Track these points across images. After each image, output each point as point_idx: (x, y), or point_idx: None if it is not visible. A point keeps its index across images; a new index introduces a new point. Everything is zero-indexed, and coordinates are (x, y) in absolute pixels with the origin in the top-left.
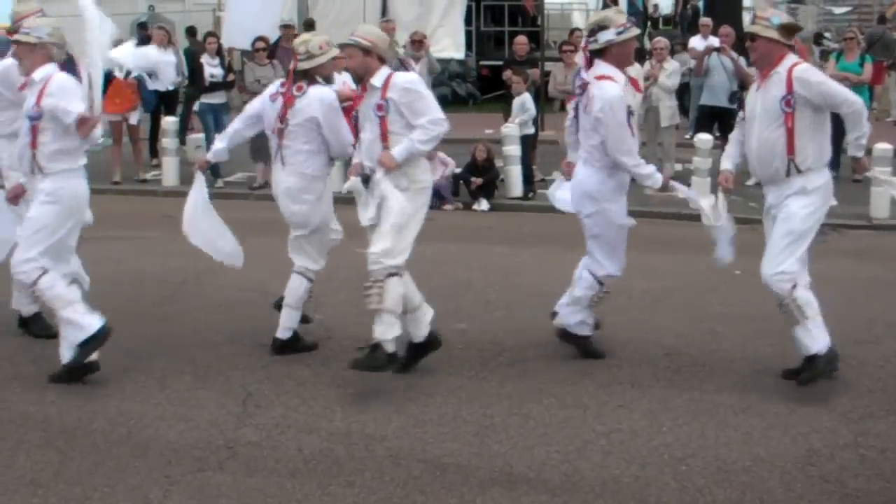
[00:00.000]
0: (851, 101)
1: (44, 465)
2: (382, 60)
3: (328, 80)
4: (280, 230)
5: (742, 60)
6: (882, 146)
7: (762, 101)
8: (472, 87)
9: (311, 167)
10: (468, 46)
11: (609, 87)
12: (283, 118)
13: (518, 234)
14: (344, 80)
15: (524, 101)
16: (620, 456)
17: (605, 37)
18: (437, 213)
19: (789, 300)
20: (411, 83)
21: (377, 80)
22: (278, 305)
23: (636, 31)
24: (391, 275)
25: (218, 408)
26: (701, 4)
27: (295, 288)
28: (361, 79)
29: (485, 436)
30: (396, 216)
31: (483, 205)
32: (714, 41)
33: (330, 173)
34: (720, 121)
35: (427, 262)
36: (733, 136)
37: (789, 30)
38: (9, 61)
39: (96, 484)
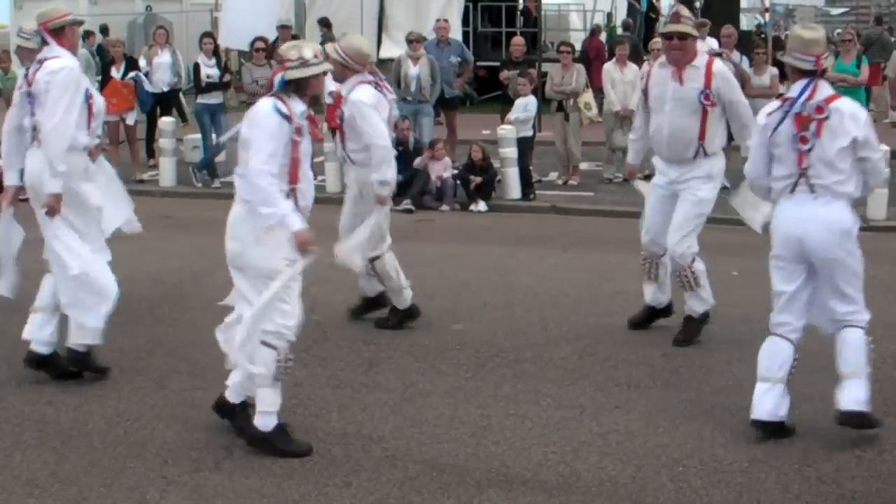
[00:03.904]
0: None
1: (40, 465)
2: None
3: (316, 101)
4: None
5: (745, 61)
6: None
7: (675, 91)
8: (469, 88)
9: None
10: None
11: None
12: None
13: (515, 235)
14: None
15: (527, 104)
16: (617, 457)
17: None
18: (436, 214)
19: (689, 271)
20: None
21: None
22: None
23: None
24: None
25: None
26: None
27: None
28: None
29: (481, 436)
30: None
31: (481, 206)
32: (712, 42)
33: None
34: None
35: (425, 262)
36: (637, 127)
37: (699, 25)
38: None
39: (93, 484)
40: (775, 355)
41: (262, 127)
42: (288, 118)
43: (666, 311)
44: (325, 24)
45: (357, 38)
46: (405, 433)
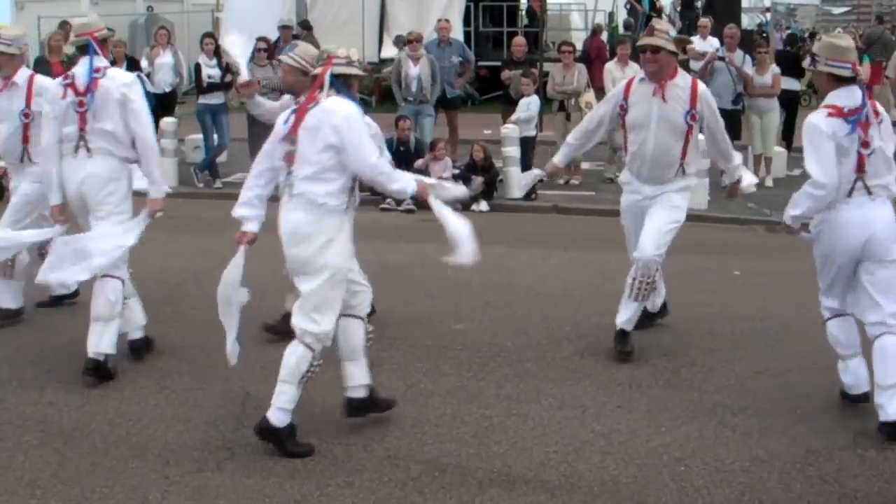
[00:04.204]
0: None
1: (42, 465)
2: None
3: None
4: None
5: (748, 61)
6: None
7: (660, 110)
8: (470, 88)
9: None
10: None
11: None
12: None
13: (517, 234)
14: None
15: (530, 103)
16: (619, 456)
17: None
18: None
19: (651, 279)
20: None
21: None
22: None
23: None
24: None
25: (216, 408)
26: (700, 4)
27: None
28: (296, 94)
29: (483, 436)
30: None
31: (482, 205)
32: (714, 42)
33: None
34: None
35: (425, 262)
36: (582, 130)
37: (681, 42)
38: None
39: (95, 485)
40: (844, 335)
41: (359, 123)
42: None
43: (662, 311)
44: (305, 26)
45: (308, 45)
46: (407, 433)
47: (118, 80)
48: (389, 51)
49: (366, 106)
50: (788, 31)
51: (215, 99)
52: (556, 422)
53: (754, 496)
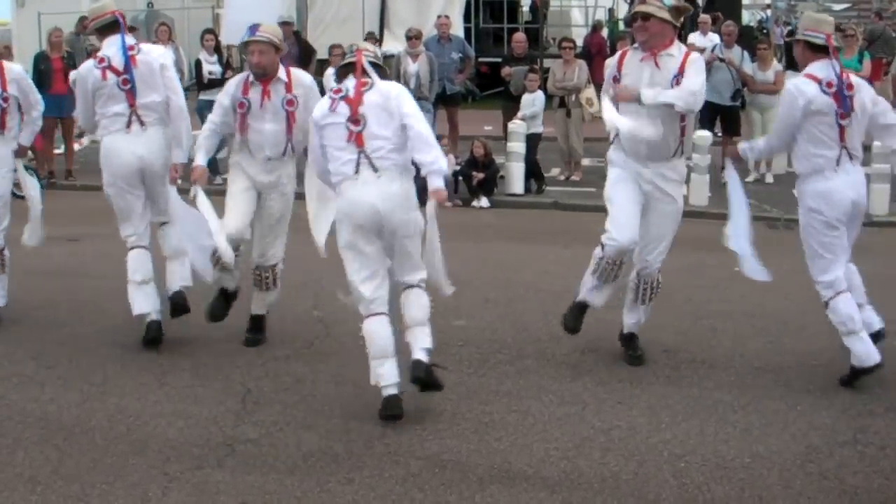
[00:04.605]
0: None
1: (42, 462)
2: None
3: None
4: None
5: (746, 57)
6: (881, 143)
7: (652, 78)
8: (470, 84)
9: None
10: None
11: None
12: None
13: (517, 231)
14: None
15: (535, 99)
16: (619, 453)
17: None
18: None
19: (655, 282)
20: (310, 79)
21: (282, 73)
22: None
23: None
24: None
25: (217, 405)
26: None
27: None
28: (267, 74)
29: (483, 433)
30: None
31: (483, 201)
32: (714, 38)
33: None
34: (722, 118)
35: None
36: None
37: (679, 11)
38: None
39: (95, 481)
40: (853, 309)
41: (412, 98)
42: None
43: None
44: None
45: (269, 24)
46: (407, 429)
47: (153, 52)
48: (389, 46)
49: None
50: (789, 28)
51: (216, 95)
52: (556, 418)
53: (754, 492)
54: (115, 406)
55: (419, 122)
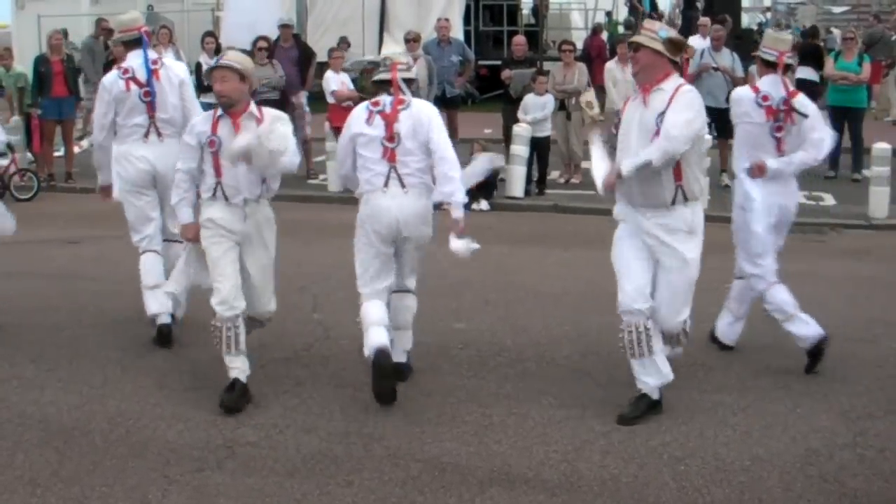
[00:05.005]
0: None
1: (42, 464)
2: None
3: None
4: (281, 229)
5: (737, 60)
6: (881, 146)
7: (641, 117)
8: (470, 87)
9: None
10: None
11: None
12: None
13: (517, 233)
14: (342, 81)
15: (546, 102)
16: (619, 455)
17: None
18: (437, 214)
19: (680, 338)
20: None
21: (254, 108)
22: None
23: None
24: None
25: (216, 407)
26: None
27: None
28: (233, 104)
29: (483, 435)
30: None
31: (483, 204)
32: (702, 42)
33: None
34: (716, 121)
35: (426, 261)
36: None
37: (676, 45)
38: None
39: (94, 484)
40: (788, 296)
41: (441, 122)
42: None
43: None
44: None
45: (238, 52)
46: (407, 432)
47: (174, 68)
48: (389, 49)
49: None
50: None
51: (215, 98)
52: (556, 421)
53: (754, 495)
54: (115, 409)
55: (446, 150)
